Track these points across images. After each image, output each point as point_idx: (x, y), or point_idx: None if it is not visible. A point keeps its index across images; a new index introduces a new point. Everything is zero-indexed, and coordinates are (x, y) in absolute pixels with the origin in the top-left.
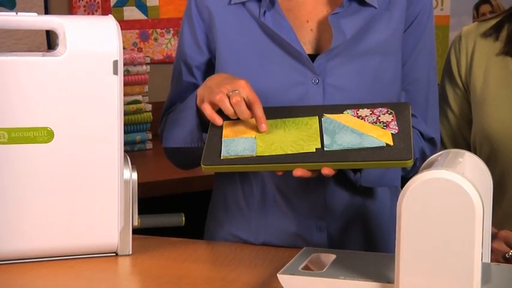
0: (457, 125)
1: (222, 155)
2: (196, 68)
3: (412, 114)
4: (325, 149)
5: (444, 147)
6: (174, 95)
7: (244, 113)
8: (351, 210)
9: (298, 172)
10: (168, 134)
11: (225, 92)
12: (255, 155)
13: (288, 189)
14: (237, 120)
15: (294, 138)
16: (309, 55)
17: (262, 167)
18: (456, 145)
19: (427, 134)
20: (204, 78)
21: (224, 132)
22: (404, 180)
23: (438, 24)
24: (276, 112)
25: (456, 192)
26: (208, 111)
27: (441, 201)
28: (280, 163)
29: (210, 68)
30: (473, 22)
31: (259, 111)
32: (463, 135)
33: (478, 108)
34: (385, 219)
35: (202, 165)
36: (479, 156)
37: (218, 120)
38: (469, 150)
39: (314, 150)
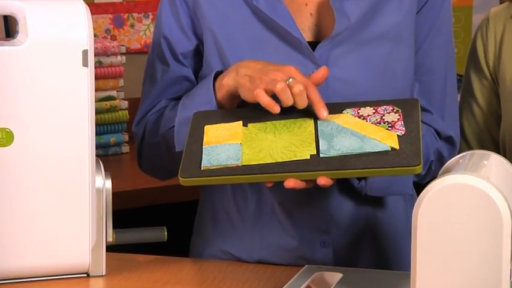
0: (484, 122)
1: (202, 165)
2: (183, 57)
3: (426, 110)
4: (321, 155)
5: (469, 147)
6: (158, 91)
7: (305, 102)
8: (360, 223)
9: (290, 183)
10: (168, 136)
11: (283, 81)
12: (240, 165)
13: (287, 199)
14: (219, 124)
15: (285, 143)
16: (308, 43)
17: (249, 178)
18: (483, 145)
19: (444, 132)
20: (194, 68)
21: (205, 138)
22: (420, 187)
23: (460, 4)
24: (264, 113)
25: (480, 201)
26: (266, 98)
27: (463, 211)
28: (270, 173)
29: (198, 57)
30: (501, 2)
31: (316, 95)
32: (491, 134)
33: (508, 102)
34: (399, 232)
35: (180, 178)
36: (510, 159)
37: (277, 107)
38: (498, 151)
39: (308, 157)
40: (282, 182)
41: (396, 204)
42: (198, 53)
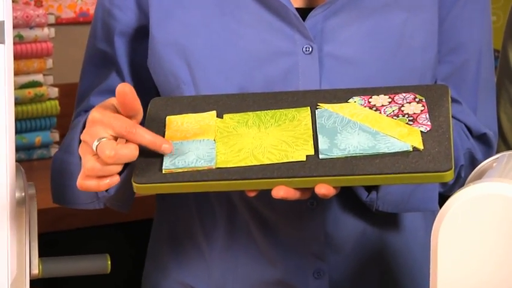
0: None
1: (164, 167)
2: (120, 35)
3: (454, 100)
4: (320, 156)
5: (507, 146)
6: (86, 82)
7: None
8: (365, 246)
9: (280, 192)
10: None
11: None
12: (214, 167)
13: (269, 214)
14: (186, 114)
15: (273, 140)
16: (297, 10)
17: (225, 184)
18: None
19: (476, 129)
20: (129, 51)
21: (167, 132)
22: (443, 198)
23: None
24: (246, 101)
25: None
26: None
27: (497, 229)
28: (253, 179)
29: (141, 37)
30: None
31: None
32: None
33: None
34: (416, 258)
35: (134, 184)
36: None
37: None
38: None
39: (304, 159)
40: (268, 191)
41: (414, 223)
42: (142, 32)
